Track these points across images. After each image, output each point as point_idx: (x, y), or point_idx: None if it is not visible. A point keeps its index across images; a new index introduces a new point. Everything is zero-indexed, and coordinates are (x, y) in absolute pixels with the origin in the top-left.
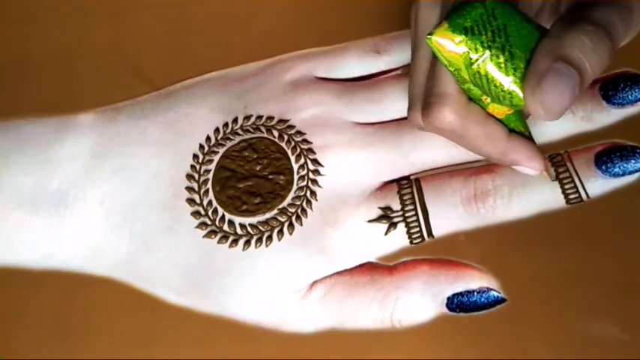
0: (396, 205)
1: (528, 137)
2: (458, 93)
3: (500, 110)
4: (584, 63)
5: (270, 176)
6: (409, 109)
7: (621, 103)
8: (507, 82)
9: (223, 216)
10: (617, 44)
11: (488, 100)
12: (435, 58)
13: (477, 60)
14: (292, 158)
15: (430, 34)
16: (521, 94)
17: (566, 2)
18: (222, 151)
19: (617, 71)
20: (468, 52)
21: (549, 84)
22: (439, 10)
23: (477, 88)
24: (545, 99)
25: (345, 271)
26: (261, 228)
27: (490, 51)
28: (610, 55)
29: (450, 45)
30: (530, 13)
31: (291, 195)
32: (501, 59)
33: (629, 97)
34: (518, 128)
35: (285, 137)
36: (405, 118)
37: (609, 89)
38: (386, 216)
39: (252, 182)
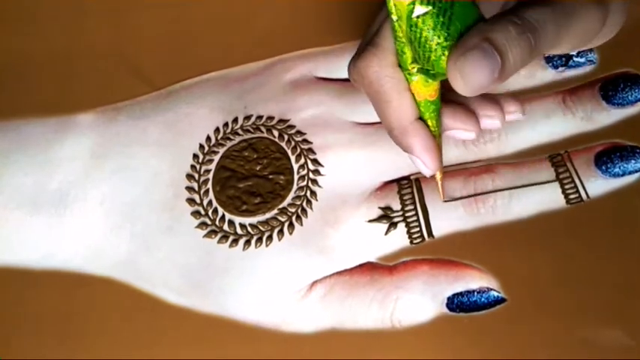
0: (396, 205)
1: (434, 133)
2: (391, 50)
3: (421, 91)
4: (507, 50)
5: (271, 176)
6: (350, 60)
7: (621, 103)
8: (438, 44)
9: (223, 216)
10: (542, 44)
11: (415, 69)
12: (385, 18)
13: (418, 12)
14: (292, 158)
15: None
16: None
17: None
18: (222, 150)
19: (617, 72)
20: (414, 2)
21: (472, 58)
22: None
23: (409, 50)
24: (466, 70)
25: (345, 271)
26: (261, 228)
27: (433, 8)
28: (530, 50)
29: None
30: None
31: (291, 195)
32: (440, 20)
33: (629, 97)
34: (430, 120)
35: (286, 137)
36: None
37: (609, 89)
38: (386, 216)
39: (252, 182)
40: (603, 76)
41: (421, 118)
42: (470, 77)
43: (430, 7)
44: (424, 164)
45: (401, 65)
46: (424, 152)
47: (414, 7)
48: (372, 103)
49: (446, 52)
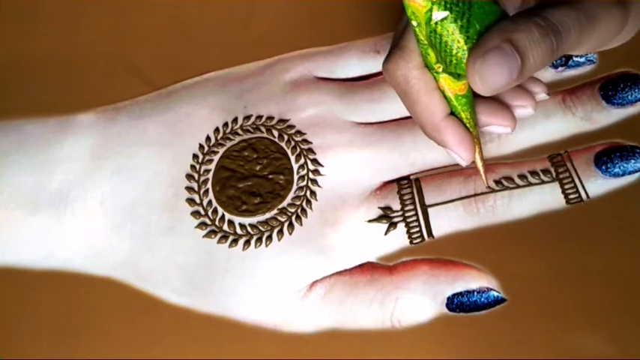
0: (396, 205)
1: (467, 126)
2: (417, 52)
3: (451, 87)
4: (528, 52)
5: (270, 176)
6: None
7: (621, 103)
8: (457, 47)
9: (223, 216)
10: (564, 46)
11: (441, 69)
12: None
13: (436, 18)
14: (292, 158)
15: None
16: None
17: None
18: (222, 151)
19: (617, 71)
20: (431, 8)
21: (491, 59)
22: None
23: (433, 52)
24: (484, 71)
25: (345, 271)
26: (261, 228)
27: (450, 13)
28: (552, 53)
29: None
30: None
31: (291, 195)
32: (458, 24)
33: (629, 97)
34: (463, 113)
35: (285, 137)
36: (405, 118)
37: (609, 89)
38: (386, 216)
39: (252, 182)
40: (603, 76)
41: (453, 113)
42: (488, 78)
43: (447, 12)
44: (459, 156)
45: (427, 65)
46: (457, 146)
47: (431, 13)
48: (403, 102)
49: (466, 55)
